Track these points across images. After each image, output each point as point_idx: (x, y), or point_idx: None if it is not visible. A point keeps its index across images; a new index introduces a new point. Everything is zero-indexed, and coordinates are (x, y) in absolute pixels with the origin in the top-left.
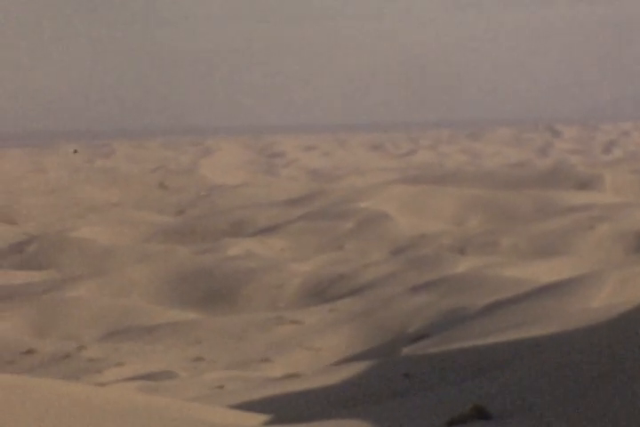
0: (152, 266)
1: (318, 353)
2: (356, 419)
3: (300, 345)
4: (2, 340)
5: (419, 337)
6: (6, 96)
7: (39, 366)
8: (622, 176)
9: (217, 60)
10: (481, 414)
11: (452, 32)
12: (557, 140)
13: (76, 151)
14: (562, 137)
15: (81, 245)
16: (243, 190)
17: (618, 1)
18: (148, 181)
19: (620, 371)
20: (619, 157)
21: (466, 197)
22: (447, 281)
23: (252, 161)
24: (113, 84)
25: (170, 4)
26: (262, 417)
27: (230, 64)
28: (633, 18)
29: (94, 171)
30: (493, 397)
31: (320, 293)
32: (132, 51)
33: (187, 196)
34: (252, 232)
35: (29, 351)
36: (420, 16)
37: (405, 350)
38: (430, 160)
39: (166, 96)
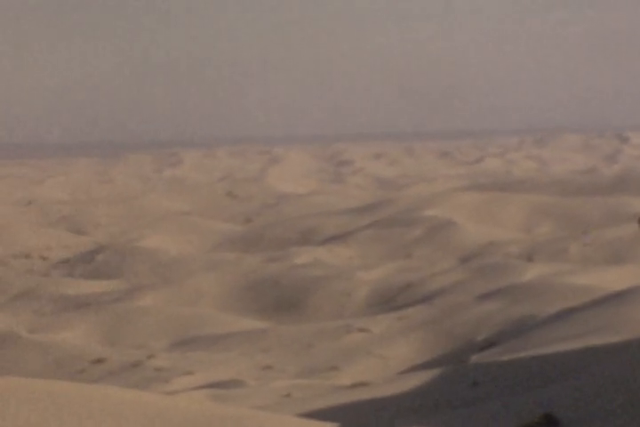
0: (220, 275)
1: (386, 361)
2: None
3: (369, 353)
4: (72, 349)
5: (487, 345)
6: (74, 107)
7: (109, 374)
8: None
9: (281, 70)
10: (550, 421)
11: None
12: (626, 147)
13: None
14: (630, 143)
15: (149, 254)
16: (310, 199)
17: None
18: (216, 189)
19: None
20: None
21: (534, 204)
22: (515, 289)
23: (319, 169)
24: (180, 95)
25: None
26: (330, 425)
27: (295, 72)
28: None
29: (162, 180)
30: (562, 404)
31: (388, 301)
32: (195, 61)
33: (254, 204)
34: (320, 240)
35: (99, 360)
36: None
37: (474, 358)
38: (498, 167)
39: (232, 105)
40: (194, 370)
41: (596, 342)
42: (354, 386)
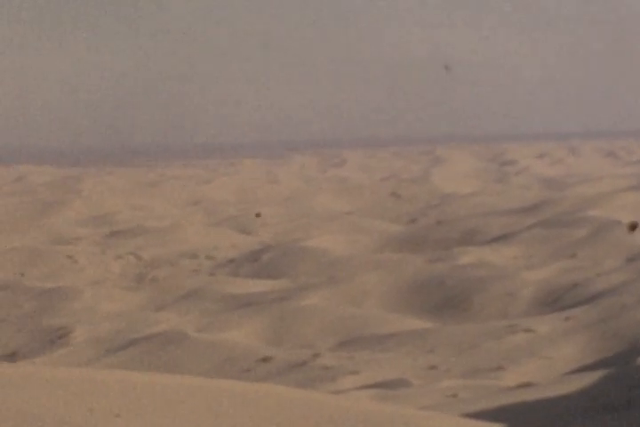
0: (385, 275)
1: (551, 362)
2: None
3: (534, 354)
4: (238, 348)
5: None
6: (243, 108)
7: (275, 373)
8: None
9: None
10: None
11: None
12: None
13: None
14: None
15: (315, 253)
16: (474, 199)
17: None
18: (380, 190)
19: None
20: None
21: None
22: None
23: (483, 169)
24: (341, 95)
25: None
26: (496, 426)
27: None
28: None
29: (327, 180)
30: None
31: (553, 301)
32: (360, 58)
33: (418, 204)
34: (484, 241)
35: (265, 359)
36: None
37: (639, 361)
38: None
39: (396, 106)
40: (359, 370)
41: None
42: (518, 387)
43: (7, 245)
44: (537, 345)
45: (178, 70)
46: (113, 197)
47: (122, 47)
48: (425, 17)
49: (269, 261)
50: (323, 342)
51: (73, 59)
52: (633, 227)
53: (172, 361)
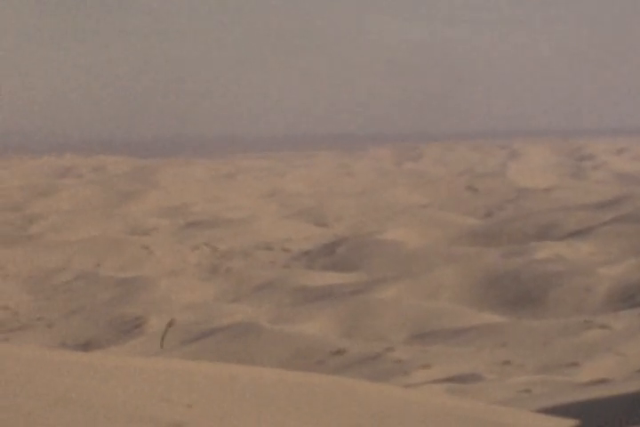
0: (460, 268)
1: (627, 359)
2: None
3: (609, 350)
4: (312, 340)
5: None
6: (316, 101)
7: (348, 366)
8: None
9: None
10: None
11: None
12: None
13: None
14: None
15: (389, 246)
16: (551, 193)
17: None
18: (457, 183)
19: None
20: None
21: None
22: None
23: (560, 164)
24: (418, 88)
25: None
26: (569, 422)
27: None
28: None
29: (402, 174)
30: None
31: (630, 297)
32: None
33: (494, 198)
34: (561, 236)
35: (339, 352)
36: None
37: None
38: None
39: (473, 100)
40: (432, 363)
41: None
42: (593, 383)
43: (85, 235)
44: (612, 341)
45: (253, 61)
46: (189, 188)
47: (196, 36)
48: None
49: (344, 253)
50: (396, 336)
51: (147, 49)
52: None
53: (246, 352)
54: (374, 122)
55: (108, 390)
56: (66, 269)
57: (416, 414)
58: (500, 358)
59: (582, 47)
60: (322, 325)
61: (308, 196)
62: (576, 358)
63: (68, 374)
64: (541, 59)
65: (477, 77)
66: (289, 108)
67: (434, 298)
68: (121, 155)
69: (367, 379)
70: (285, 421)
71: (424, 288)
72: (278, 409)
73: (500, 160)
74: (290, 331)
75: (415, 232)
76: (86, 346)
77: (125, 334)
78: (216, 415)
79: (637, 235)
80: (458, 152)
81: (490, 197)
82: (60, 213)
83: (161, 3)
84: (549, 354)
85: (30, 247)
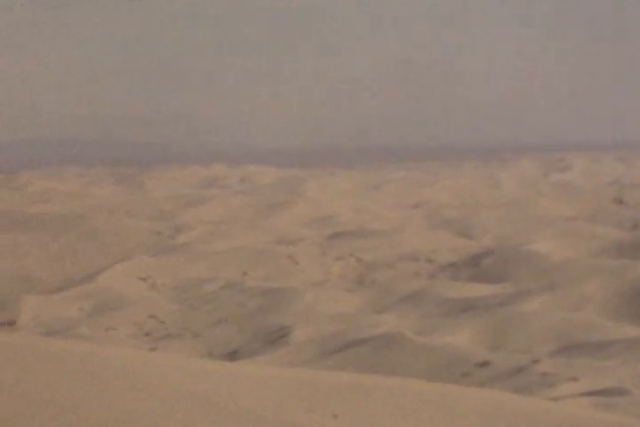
0: (606, 281)
1: None
2: None
3: None
4: (458, 351)
5: None
6: (458, 111)
7: (493, 378)
8: None
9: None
10: None
11: None
12: None
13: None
14: None
15: (535, 258)
16: None
17: None
18: (603, 195)
19: None
20: None
21: None
22: None
23: None
24: (562, 98)
25: None
26: None
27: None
28: None
29: (549, 185)
30: None
31: None
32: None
33: None
34: None
35: (484, 364)
36: None
37: None
38: None
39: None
40: (578, 376)
41: None
42: None
43: (231, 245)
44: None
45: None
46: (335, 199)
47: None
48: None
49: (490, 265)
50: (542, 348)
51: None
52: None
53: (390, 363)
54: (518, 133)
55: (255, 399)
56: (212, 278)
57: (562, 426)
58: None
59: None
60: (467, 336)
61: (454, 207)
62: None
63: (215, 382)
64: None
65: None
66: (431, 118)
67: (579, 310)
68: (265, 164)
69: (512, 391)
70: None
71: (569, 301)
72: (423, 421)
73: None
74: (435, 342)
75: (561, 244)
76: (233, 355)
77: (271, 344)
78: (361, 426)
79: None
80: (603, 163)
81: (637, 209)
82: (208, 224)
83: None
84: None
85: (177, 257)
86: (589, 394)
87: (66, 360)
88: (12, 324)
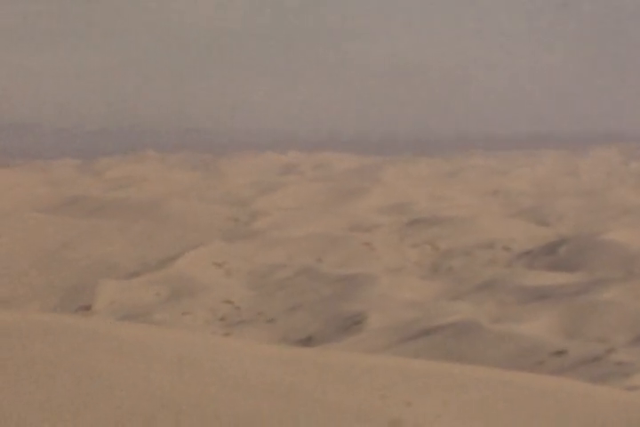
0: None
1: None
2: None
3: None
4: (534, 340)
5: None
6: (541, 97)
7: (568, 367)
8: None
9: None
10: None
11: None
12: None
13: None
14: None
15: (613, 247)
16: None
17: None
18: None
19: None
20: None
21: None
22: None
23: None
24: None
25: None
26: None
27: None
28: None
29: (630, 173)
30: None
31: None
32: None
33: None
34: None
35: (560, 352)
36: None
37: None
38: None
39: None
40: None
41: None
42: None
43: (307, 232)
44: None
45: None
46: (412, 186)
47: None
48: None
49: (566, 253)
50: (618, 338)
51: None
52: None
53: (465, 351)
54: (594, 121)
55: (328, 385)
56: (287, 265)
57: (636, 416)
58: None
59: None
60: (542, 325)
61: (531, 195)
62: None
63: (289, 369)
64: None
65: None
66: (514, 107)
67: None
68: (345, 152)
69: (587, 381)
70: (504, 421)
71: None
72: (498, 409)
73: None
74: (510, 331)
75: (638, 233)
76: (307, 341)
77: (345, 330)
78: (434, 414)
79: None
80: None
81: None
82: (284, 210)
83: None
84: None
85: (253, 243)
86: None
87: (135, 346)
88: (87, 308)
